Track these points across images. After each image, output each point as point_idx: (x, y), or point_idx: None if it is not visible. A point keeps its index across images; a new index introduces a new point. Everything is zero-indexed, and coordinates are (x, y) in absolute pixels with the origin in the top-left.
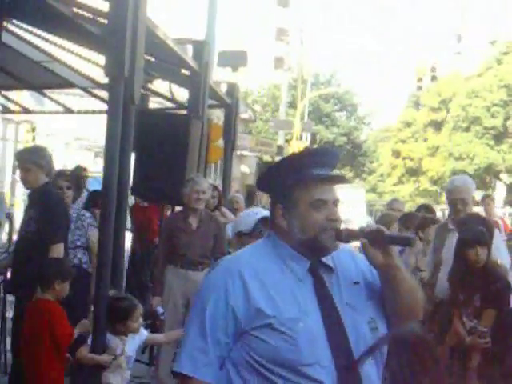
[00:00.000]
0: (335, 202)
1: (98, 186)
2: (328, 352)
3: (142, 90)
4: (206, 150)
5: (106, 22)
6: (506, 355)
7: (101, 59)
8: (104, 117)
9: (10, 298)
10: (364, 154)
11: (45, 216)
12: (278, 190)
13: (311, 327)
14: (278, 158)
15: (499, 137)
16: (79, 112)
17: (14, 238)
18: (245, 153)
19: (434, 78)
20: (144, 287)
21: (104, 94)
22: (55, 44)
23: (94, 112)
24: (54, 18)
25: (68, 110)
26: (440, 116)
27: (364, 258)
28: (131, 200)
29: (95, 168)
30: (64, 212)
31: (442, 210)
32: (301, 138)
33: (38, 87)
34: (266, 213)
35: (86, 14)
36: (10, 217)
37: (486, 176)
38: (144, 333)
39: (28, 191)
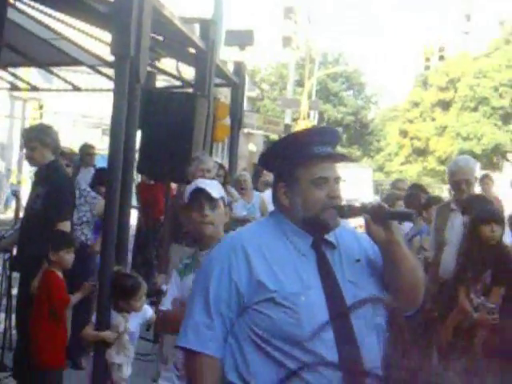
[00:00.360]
0: (336, 180)
1: (105, 164)
2: (329, 327)
3: (148, 68)
4: (212, 129)
5: (112, 0)
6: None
7: (108, 37)
8: (111, 95)
9: (16, 275)
10: (371, 133)
11: (51, 193)
12: (280, 168)
13: (313, 302)
14: None
15: (507, 117)
16: (86, 90)
17: (21, 215)
18: (252, 131)
19: (441, 58)
20: (149, 265)
21: (111, 72)
22: (62, 22)
23: (101, 90)
24: None
25: (75, 88)
26: (448, 96)
27: (366, 236)
28: (137, 178)
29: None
30: (70, 190)
31: (449, 190)
32: (308, 116)
33: (46, 65)
34: (202, 185)
35: None
36: (16, 194)
37: (494, 156)
38: (149, 310)
39: (35, 169)
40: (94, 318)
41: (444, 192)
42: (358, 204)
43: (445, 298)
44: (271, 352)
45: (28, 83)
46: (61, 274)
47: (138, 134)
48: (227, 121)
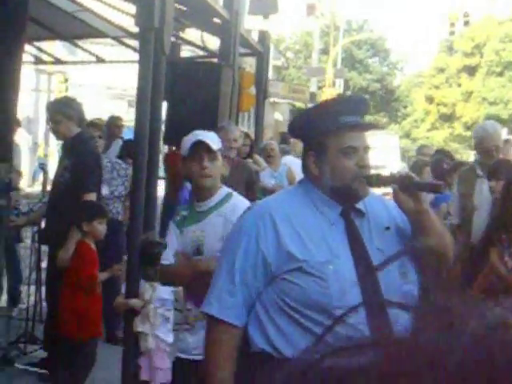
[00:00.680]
0: (365, 149)
1: (132, 135)
2: (358, 294)
3: (173, 39)
4: (237, 98)
5: None
6: None
7: (132, 9)
8: (136, 66)
9: (45, 248)
10: (397, 100)
11: (77, 165)
12: (310, 137)
13: (342, 270)
14: (310, 105)
15: None
16: (111, 62)
17: (48, 188)
18: (277, 100)
19: (466, 23)
20: None
21: (135, 44)
22: None
23: (125, 61)
24: None
25: (100, 60)
26: (473, 61)
27: (395, 205)
28: (163, 149)
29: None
30: (97, 161)
31: (475, 155)
32: (334, 84)
33: (70, 37)
34: (202, 137)
35: None
36: (43, 167)
37: None
38: None
39: (61, 142)
40: (123, 288)
41: (471, 157)
42: (386, 173)
43: (476, 261)
44: (300, 320)
45: (53, 56)
46: (94, 246)
47: (164, 105)
48: (252, 90)
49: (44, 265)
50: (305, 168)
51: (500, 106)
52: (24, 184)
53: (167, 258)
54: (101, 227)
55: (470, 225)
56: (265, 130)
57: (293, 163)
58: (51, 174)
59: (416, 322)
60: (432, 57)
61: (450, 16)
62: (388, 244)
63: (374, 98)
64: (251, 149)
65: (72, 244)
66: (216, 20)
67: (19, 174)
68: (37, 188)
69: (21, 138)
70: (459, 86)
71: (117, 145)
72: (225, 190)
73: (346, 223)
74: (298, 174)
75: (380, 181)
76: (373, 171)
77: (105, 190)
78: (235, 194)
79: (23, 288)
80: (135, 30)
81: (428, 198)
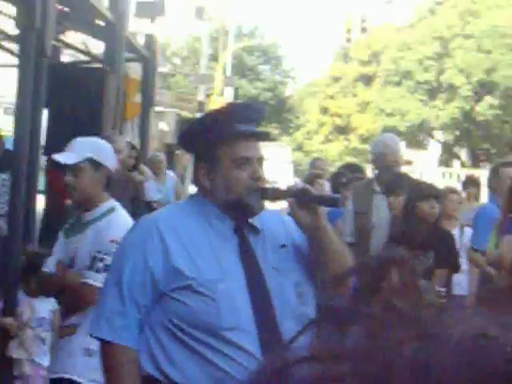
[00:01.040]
0: (260, 160)
1: (8, 146)
2: (250, 316)
3: (53, 42)
4: (122, 107)
5: None
6: None
7: (12, 10)
8: (14, 71)
9: None
10: (290, 110)
11: None
12: (201, 147)
13: (233, 289)
14: (198, 115)
15: (432, 92)
16: None
17: None
18: (163, 109)
19: (363, 30)
20: None
21: (14, 47)
22: None
23: (3, 66)
24: None
25: None
26: (370, 70)
27: (292, 220)
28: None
29: (5, 126)
30: None
31: (373, 170)
32: (222, 93)
33: None
34: (57, 157)
35: None
36: None
37: (419, 134)
38: None
39: None
40: (1, 304)
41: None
42: (282, 186)
43: (373, 280)
44: (189, 342)
45: None
46: None
47: (44, 113)
48: (138, 98)
49: None
50: (196, 181)
51: (397, 118)
52: None
53: (48, 265)
54: None
55: (367, 243)
56: (149, 140)
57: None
58: None
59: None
60: (327, 65)
61: (347, 22)
62: (284, 262)
63: (266, 108)
64: (137, 161)
65: None
66: (100, 22)
67: None
68: None
69: None
70: (355, 96)
71: None
72: (109, 203)
73: (239, 240)
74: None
75: (276, 194)
76: (269, 186)
77: None
78: (118, 208)
79: None
80: (14, 32)
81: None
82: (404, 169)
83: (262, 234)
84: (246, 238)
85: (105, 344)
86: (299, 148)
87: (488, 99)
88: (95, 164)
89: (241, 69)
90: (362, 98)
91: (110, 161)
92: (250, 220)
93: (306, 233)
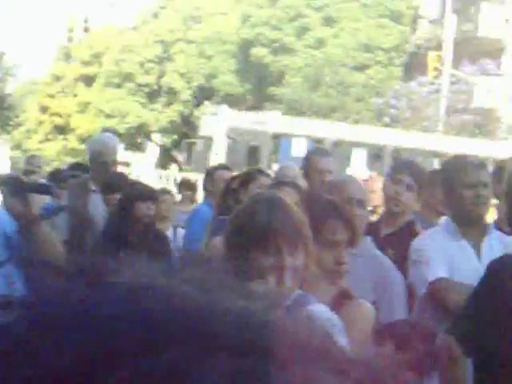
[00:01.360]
0: None
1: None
2: None
3: None
4: None
5: None
6: None
7: None
8: None
9: None
10: (9, 108)
11: None
12: None
13: None
14: None
15: (153, 95)
16: None
17: None
18: None
19: (86, 30)
20: None
21: None
22: None
23: None
24: None
25: None
26: (92, 70)
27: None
28: None
29: None
30: None
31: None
32: None
33: None
34: None
35: None
36: None
37: (138, 136)
38: None
39: None
40: None
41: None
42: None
43: None
44: None
45: None
46: None
47: None
48: None
49: None
50: None
51: (117, 119)
52: None
53: None
54: None
55: (81, 241)
56: None
57: None
58: None
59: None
60: (48, 63)
61: (69, 21)
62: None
63: None
64: None
65: None
66: None
67: None
68: None
69: None
70: (75, 96)
71: None
72: None
73: None
74: None
75: None
76: None
77: None
78: None
79: None
80: None
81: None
82: (122, 170)
83: None
84: None
85: None
86: (17, 146)
87: (207, 104)
88: None
89: None
90: (83, 98)
91: None
92: None
93: (17, 221)
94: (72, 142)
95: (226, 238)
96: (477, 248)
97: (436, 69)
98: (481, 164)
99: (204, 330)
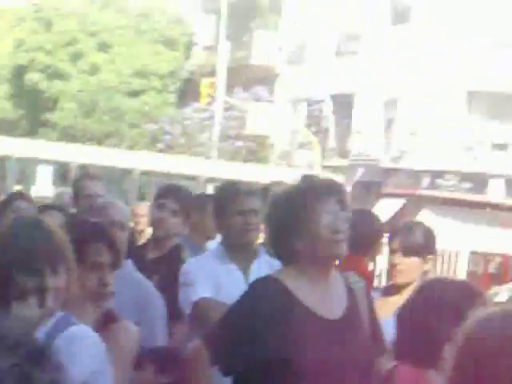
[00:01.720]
0: None
1: None
2: None
3: None
4: None
5: None
6: None
7: None
8: None
9: None
10: None
11: None
12: None
13: None
14: None
15: None
16: None
17: None
18: None
19: None
20: None
21: None
22: None
23: None
24: None
25: None
26: None
27: None
28: None
29: None
30: None
31: None
32: None
33: None
34: None
35: None
36: None
37: None
38: None
39: None
40: None
41: None
42: None
43: None
44: None
45: None
46: None
47: None
48: None
49: None
50: None
51: None
52: None
53: None
54: None
55: None
56: None
57: None
58: None
59: None
60: None
61: None
62: None
63: None
64: None
65: None
66: None
67: None
68: None
69: None
70: None
71: None
72: None
73: None
74: None
75: None
76: None
77: None
78: None
79: None
80: None
81: None
82: None
83: None
84: None
85: None
86: None
87: None
88: None
89: None
90: None
91: None
92: None
93: None
94: None
95: None
96: (246, 271)
97: (209, 95)
98: (251, 191)
99: None
